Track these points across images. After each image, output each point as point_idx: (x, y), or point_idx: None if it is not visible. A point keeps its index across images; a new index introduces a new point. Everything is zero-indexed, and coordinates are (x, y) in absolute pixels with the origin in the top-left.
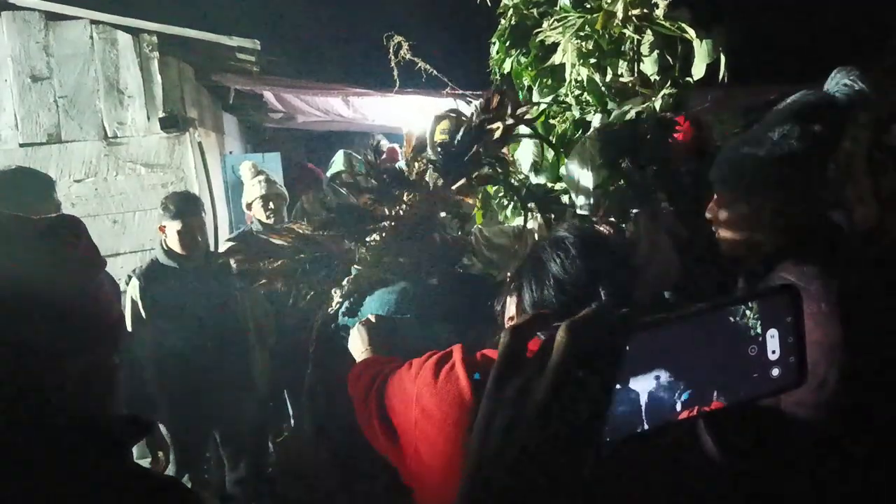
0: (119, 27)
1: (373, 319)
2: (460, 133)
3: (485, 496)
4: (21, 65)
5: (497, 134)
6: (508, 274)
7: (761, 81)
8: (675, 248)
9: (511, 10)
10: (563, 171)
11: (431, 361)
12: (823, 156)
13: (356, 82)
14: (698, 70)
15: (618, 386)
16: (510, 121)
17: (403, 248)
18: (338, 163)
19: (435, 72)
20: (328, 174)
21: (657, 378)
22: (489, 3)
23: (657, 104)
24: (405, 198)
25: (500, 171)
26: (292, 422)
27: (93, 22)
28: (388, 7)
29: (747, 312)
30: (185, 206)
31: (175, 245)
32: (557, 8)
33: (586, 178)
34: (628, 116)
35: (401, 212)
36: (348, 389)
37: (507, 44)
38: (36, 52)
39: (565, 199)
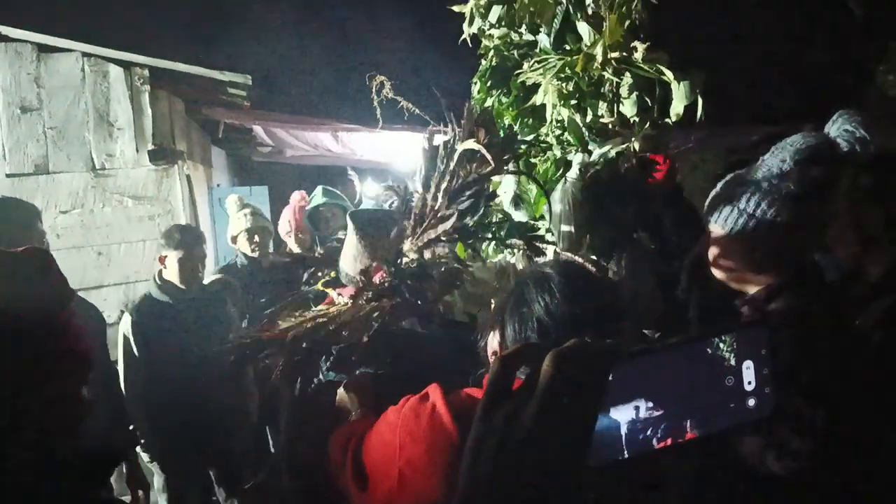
0: (111, 60)
1: (354, 381)
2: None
3: None
4: (11, 95)
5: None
6: (491, 307)
7: (743, 122)
8: (656, 286)
9: (492, 51)
10: (545, 209)
11: (409, 406)
12: (820, 199)
13: (345, 118)
14: (676, 111)
15: (601, 414)
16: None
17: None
18: (317, 197)
19: (417, 110)
20: (307, 209)
21: (637, 407)
22: (470, 45)
23: (637, 144)
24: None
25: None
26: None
27: (84, 54)
28: (375, 45)
29: (723, 345)
30: (189, 237)
31: (174, 276)
32: (538, 50)
33: (568, 216)
34: (609, 156)
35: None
36: (329, 456)
37: (489, 84)
38: (27, 84)
39: (548, 237)
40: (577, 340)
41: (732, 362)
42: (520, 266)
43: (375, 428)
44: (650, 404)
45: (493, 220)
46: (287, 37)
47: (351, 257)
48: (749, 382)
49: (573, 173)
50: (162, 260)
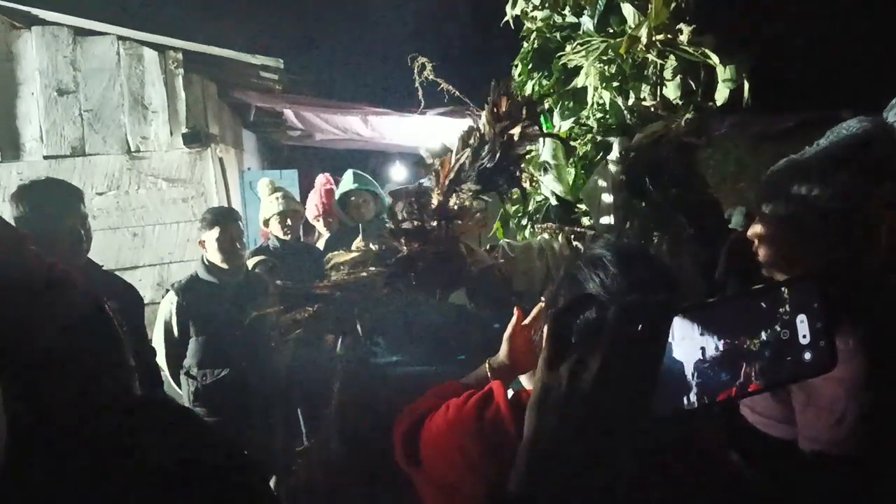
0: (145, 43)
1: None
2: (485, 153)
3: (542, 472)
4: (48, 78)
5: (516, 137)
6: (542, 297)
7: (778, 109)
8: (697, 272)
9: (534, 33)
10: (583, 192)
11: (471, 405)
12: (876, 186)
13: (375, 102)
14: (721, 95)
15: (665, 364)
16: (526, 122)
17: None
18: (347, 182)
19: (458, 93)
20: (337, 194)
21: (697, 360)
22: (513, 27)
23: (679, 128)
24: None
25: (522, 175)
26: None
27: (120, 38)
28: (410, 28)
29: (776, 299)
30: (221, 215)
31: (215, 256)
32: (580, 32)
33: (607, 199)
34: (650, 140)
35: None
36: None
37: (530, 66)
38: (63, 67)
39: (586, 220)
40: (637, 297)
41: (786, 316)
42: (557, 248)
43: (435, 419)
44: (709, 357)
45: (531, 204)
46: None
47: None
48: (804, 336)
49: (614, 156)
50: (202, 244)
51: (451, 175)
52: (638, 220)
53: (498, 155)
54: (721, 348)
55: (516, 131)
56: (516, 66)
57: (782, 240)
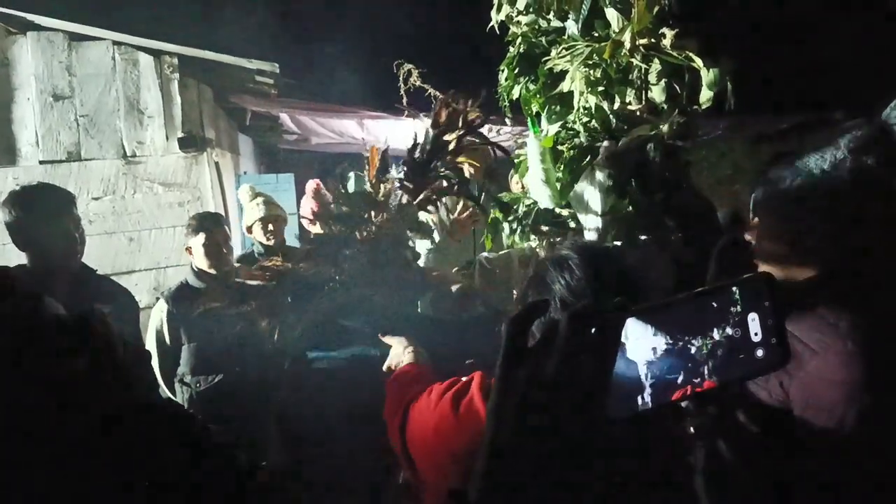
0: (141, 48)
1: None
2: (417, 151)
3: (497, 477)
4: (44, 83)
5: (451, 146)
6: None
7: (773, 110)
8: (683, 275)
9: (520, 38)
10: (571, 196)
11: (450, 394)
12: (874, 190)
13: (370, 105)
14: (706, 98)
15: (619, 367)
16: (461, 131)
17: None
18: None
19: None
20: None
21: (650, 362)
22: (497, 32)
23: (665, 131)
24: (375, 219)
25: (454, 182)
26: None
27: (115, 43)
28: (400, 32)
29: (727, 298)
30: (205, 220)
31: (202, 262)
32: (566, 37)
33: (594, 203)
34: (636, 143)
35: (371, 234)
36: (388, 385)
37: (516, 71)
38: (59, 72)
39: (572, 224)
40: (590, 301)
41: (738, 315)
42: (542, 254)
43: (419, 404)
44: (663, 357)
45: (520, 208)
46: (314, 24)
47: None
48: (756, 334)
49: (600, 160)
50: (188, 250)
51: (378, 165)
52: (625, 224)
53: (427, 152)
54: (674, 348)
55: (450, 137)
56: (502, 70)
57: (781, 241)
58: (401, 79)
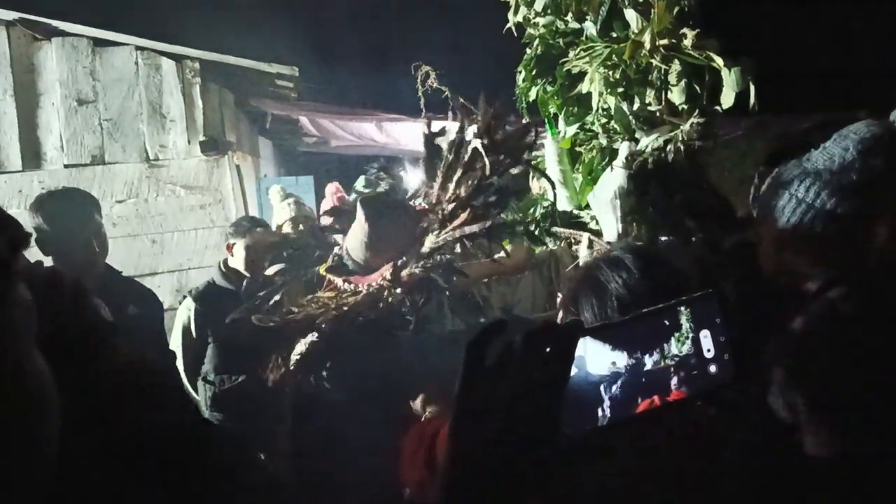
0: (163, 53)
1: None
2: (478, 174)
3: (462, 489)
4: (68, 89)
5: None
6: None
7: (795, 110)
8: (704, 276)
9: (537, 39)
10: (590, 198)
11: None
12: (884, 191)
13: (389, 108)
14: (727, 99)
15: (575, 385)
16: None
17: None
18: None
19: (461, 100)
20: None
21: (605, 377)
22: (515, 34)
23: (684, 132)
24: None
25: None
26: None
27: (138, 48)
28: (419, 34)
29: (679, 316)
30: (256, 224)
31: (240, 263)
32: (584, 38)
33: (615, 204)
34: (656, 145)
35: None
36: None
37: (534, 73)
38: (83, 77)
39: (593, 225)
40: (546, 318)
41: (691, 332)
42: (563, 254)
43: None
44: (620, 375)
45: (536, 212)
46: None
47: (359, 242)
48: (708, 350)
49: (619, 162)
50: (230, 248)
51: (440, 181)
52: (645, 225)
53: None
54: (630, 365)
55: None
56: (520, 72)
57: (785, 244)
58: (419, 80)
